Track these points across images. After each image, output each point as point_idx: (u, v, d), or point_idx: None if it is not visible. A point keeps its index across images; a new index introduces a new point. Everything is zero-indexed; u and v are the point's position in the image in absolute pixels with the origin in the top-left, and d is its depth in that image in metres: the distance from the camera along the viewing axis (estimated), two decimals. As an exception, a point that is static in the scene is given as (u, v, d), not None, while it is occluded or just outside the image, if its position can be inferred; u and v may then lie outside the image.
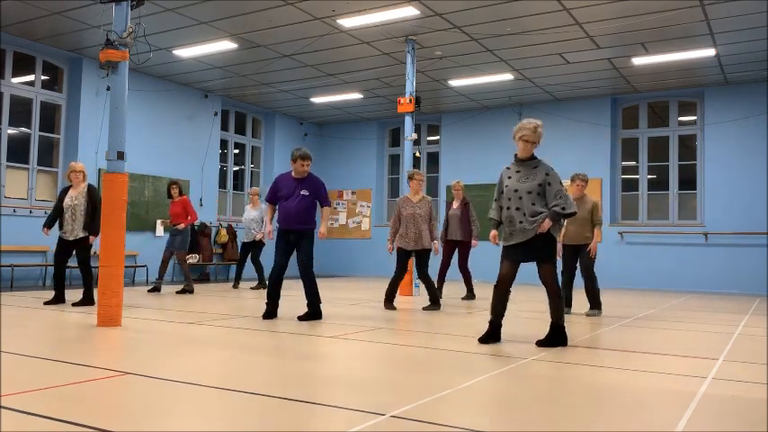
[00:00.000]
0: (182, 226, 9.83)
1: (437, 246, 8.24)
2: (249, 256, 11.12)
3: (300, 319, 6.64)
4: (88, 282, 7.73)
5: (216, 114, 14.74)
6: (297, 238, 6.72)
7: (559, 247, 7.60)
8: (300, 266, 6.74)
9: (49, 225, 7.84)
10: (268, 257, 8.27)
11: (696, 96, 13.77)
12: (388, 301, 8.09)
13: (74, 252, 7.80)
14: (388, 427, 2.78)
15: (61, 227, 7.73)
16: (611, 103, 14.37)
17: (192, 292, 9.89)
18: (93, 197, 7.69)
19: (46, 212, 11.26)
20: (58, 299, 7.76)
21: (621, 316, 7.70)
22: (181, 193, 10.06)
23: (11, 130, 11.39)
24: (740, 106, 13.04)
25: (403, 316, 7.50)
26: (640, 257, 13.65)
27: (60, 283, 7.83)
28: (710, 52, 11.10)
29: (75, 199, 7.70)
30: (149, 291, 9.99)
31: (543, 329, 5.40)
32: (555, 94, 14.27)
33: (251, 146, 16.40)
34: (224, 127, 15.39)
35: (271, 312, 6.75)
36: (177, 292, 9.83)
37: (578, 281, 7.70)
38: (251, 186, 15.92)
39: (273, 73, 13.04)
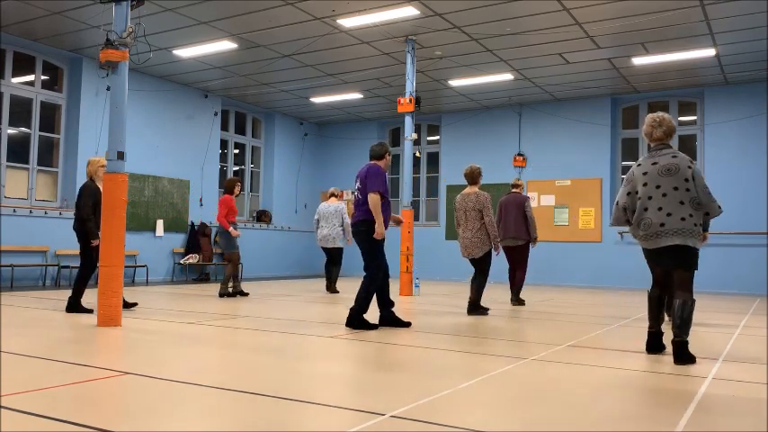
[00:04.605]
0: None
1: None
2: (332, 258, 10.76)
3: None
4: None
5: (216, 114, 14.75)
6: None
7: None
8: None
9: None
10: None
11: (696, 96, 13.76)
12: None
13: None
14: (388, 427, 2.78)
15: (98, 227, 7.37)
16: (611, 103, 14.36)
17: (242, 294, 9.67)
18: None
19: (46, 212, 11.33)
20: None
21: (621, 316, 7.71)
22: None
23: (11, 130, 11.38)
24: (740, 106, 13.03)
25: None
26: (640, 258, 13.59)
27: None
28: (710, 52, 11.09)
29: None
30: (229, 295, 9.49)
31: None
32: (555, 94, 14.27)
33: (251, 146, 16.40)
34: (224, 127, 15.39)
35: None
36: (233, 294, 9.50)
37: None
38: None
39: (273, 73, 13.04)
